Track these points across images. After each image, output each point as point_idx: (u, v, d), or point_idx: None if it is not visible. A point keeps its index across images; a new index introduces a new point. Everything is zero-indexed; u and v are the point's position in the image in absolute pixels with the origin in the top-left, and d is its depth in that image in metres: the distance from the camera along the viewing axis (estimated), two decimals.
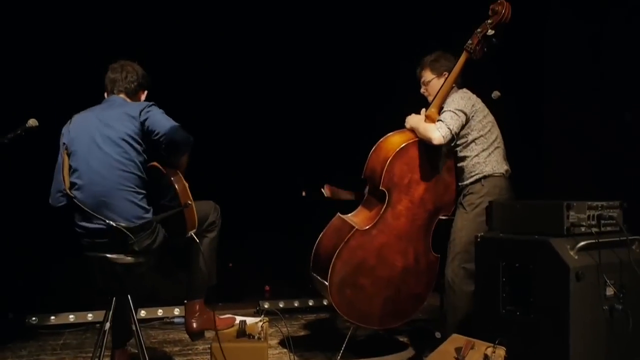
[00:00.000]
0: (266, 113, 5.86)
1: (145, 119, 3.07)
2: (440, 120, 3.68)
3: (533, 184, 3.71)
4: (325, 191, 4.23)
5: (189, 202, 3.11)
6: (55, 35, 5.04)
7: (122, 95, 3.30)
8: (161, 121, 3.06)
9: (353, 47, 5.96)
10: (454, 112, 3.68)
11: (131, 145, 3.06)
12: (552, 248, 2.91)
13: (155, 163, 3.18)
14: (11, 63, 4.90)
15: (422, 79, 4.01)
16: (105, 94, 3.35)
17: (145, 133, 3.08)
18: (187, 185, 3.15)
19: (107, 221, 2.97)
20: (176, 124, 3.08)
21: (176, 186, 3.10)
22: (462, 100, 3.74)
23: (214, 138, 5.16)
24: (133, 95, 3.33)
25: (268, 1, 5.73)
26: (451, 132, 3.64)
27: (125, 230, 2.96)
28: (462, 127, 3.72)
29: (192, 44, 5.54)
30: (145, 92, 3.42)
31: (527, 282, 3.01)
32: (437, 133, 3.63)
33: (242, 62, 5.78)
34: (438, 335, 3.94)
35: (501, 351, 2.89)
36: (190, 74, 5.51)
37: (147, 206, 3.09)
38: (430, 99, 3.94)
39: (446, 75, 3.87)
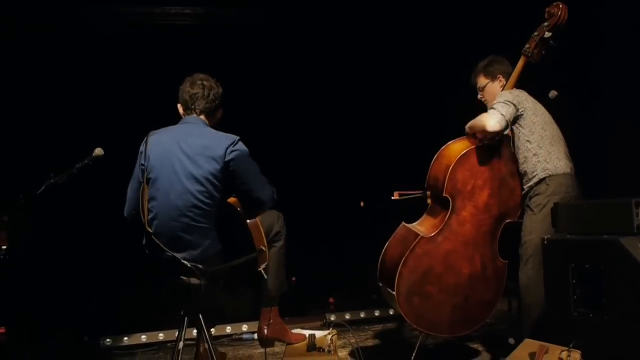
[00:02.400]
0: (326, 124, 5.90)
1: (231, 160, 3.02)
2: (493, 108, 3.67)
3: (597, 182, 3.62)
4: (395, 195, 4.19)
5: (263, 248, 3.15)
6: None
7: (202, 117, 3.21)
8: (247, 171, 3.05)
9: (413, 59, 5.98)
10: (503, 102, 3.67)
11: (213, 184, 3.02)
12: (623, 247, 2.85)
13: (234, 201, 3.18)
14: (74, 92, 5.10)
15: (478, 85, 4.01)
16: (181, 108, 3.27)
17: (229, 173, 3.04)
18: (262, 231, 3.19)
19: (181, 254, 2.97)
20: (263, 177, 3.09)
21: (252, 232, 3.14)
22: (510, 94, 3.72)
23: (275, 151, 5.24)
24: (212, 116, 3.26)
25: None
26: (504, 117, 3.61)
27: (198, 263, 2.97)
28: (515, 118, 3.69)
29: (261, 52, 5.64)
30: (221, 111, 3.33)
31: (598, 283, 2.96)
32: (491, 119, 3.61)
33: (304, 70, 5.83)
34: (511, 341, 3.88)
35: (576, 354, 2.84)
36: (255, 85, 5.59)
37: (220, 240, 3.08)
38: (488, 104, 3.91)
39: (500, 78, 3.88)
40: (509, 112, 3.64)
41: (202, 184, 3.00)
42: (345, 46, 5.88)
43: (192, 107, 3.20)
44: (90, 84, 5.21)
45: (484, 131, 3.67)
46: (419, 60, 5.98)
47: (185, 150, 3.03)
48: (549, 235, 3.28)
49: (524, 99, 3.76)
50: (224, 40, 5.63)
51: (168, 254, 2.96)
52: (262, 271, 3.22)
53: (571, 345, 2.86)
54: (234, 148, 3.04)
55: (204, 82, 3.21)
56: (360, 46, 5.91)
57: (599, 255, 2.98)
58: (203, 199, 3.00)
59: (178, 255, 2.96)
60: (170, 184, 3.02)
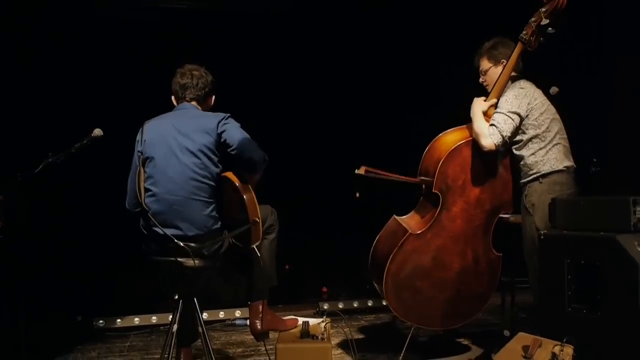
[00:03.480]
0: (321, 112, 5.88)
1: (223, 132, 3.13)
2: (494, 125, 3.59)
3: (597, 180, 3.61)
4: (360, 170, 3.86)
5: (257, 219, 3.18)
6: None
7: (193, 103, 3.35)
8: (238, 137, 3.12)
9: (409, 37, 5.96)
10: (507, 115, 3.57)
11: (208, 157, 3.13)
12: (619, 244, 2.86)
13: (229, 174, 3.24)
14: (74, 73, 5.08)
15: (480, 68, 3.89)
16: (174, 99, 3.40)
17: (222, 144, 3.15)
18: (256, 202, 3.21)
19: (179, 231, 3.06)
20: (253, 141, 3.14)
21: (247, 202, 3.17)
22: (517, 100, 3.61)
23: (269, 141, 5.21)
24: (203, 102, 3.38)
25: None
26: (504, 138, 3.56)
27: (196, 238, 3.05)
28: (517, 128, 3.62)
29: (252, 44, 5.63)
30: (214, 97, 3.48)
31: (593, 280, 2.97)
32: (489, 140, 3.56)
33: (296, 66, 5.82)
34: (507, 333, 3.91)
35: (569, 349, 2.86)
36: (249, 79, 5.58)
37: (217, 215, 3.17)
38: (489, 88, 3.82)
39: (504, 63, 3.73)
40: (510, 128, 3.57)
41: (197, 157, 3.11)
42: (334, 34, 5.86)
43: (183, 96, 3.35)
44: (92, 66, 5.17)
45: (480, 146, 3.63)
46: (417, 39, 5.97)
47: (180, 129, 3.16)
48: (545, 231, 3.29)
49: (532, 97, 3.64)
50: (218, 27, 5.60)
51: (165, 234, 3.03)
52: (255, 248, 3.26)
53: (564, 340, 2.88)
54: (226, 122, 3.17)
55: (193, 72, 3.35)
56: (350, 34, 5.89)
57: (595, 251, 2.99)
58: (199, 171, 3.11)
59: (174, 233, 3.05)
60: (166, 160, 3.12)
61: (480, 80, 3.93)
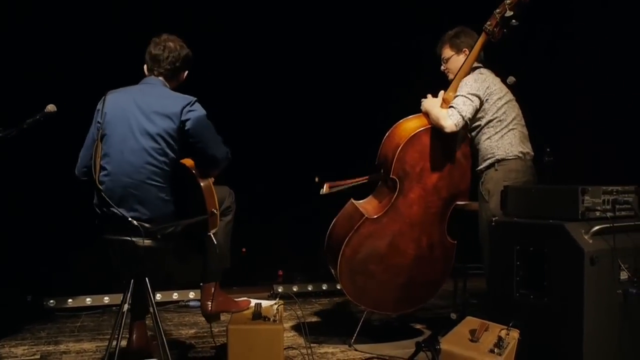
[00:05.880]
0: (280, 96, 5.84)
1: (187, 120, 3.06)
2: (452, 107, 3.64)
3: (556, 169, 3.69)
4: (324, 189, 4.11)
5: (215, 211, 3.14)
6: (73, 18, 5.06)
7: (161, 79, 3.24)
8: (203, 130, 3.07)
9: (368, 27, 5.94)
10: (466, 97, 3.64)
11: (167, 142, 3.05)
12: (567, 232, 2.92)
13: (188, 162, 3.17)
14: (28, 49, 4.93)
15: (442, 56, 3.94)
16: (145, 69, 3.28)
17: (184, 132, 3.07)
18: (215, 192, 3.16)
19: (134, 212, 3.00)
20: (219, 137, 3.10)
21: (204, 193, 3.12)
22: (476, 83, 3.68)
23: (227, 124, 5.17)
24: (172, 78, 3.28)
25: None
26: (463, 118, 3.61)
27: (149, 222, 2.99)
28: (477, 110, 3.68)
29: (214, 33, 5.54)
30: (186, 73, 3.35)
31: (541, 266, 3.03)
32: (448, 121, 3.60)
33: (254, 54, 5.76)
34: (453, 316, 3.97)
35: (515, 333, 2.91)
36: (209, 63, 5.49)
37: (172, 201, 3.11)
38: (450, 76, 3.88)
39: (466, 52, 3.80)
40: (470, 110, 3.62)
41: (156, 141, 3.03)
42: (301, 23, 5.83)
43: (152, 68, 3.24)
44: (48, 35, 5.02)
45: (440, 129, 3.66)
46: (377, 27, 5.96)
47: (142, 108, 3.06)
48: (497, 218, 3.34)
49: (491, 82, 3.72)
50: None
51: (118, 212, 2.97)
52: (212, 236, 3.22)
53: (510, 325, 2.94)
54: (191, 108, 3.07)
55: (167, 44, 3.23)
56: (314, 21, 5.86)
57: (543, 239, 3.04)
58: (157, 156, 3.03)
59: (129, 214, 2.98)
60: (124, 141, 3.04)
61: (442, 68, 3.98)
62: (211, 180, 3.19)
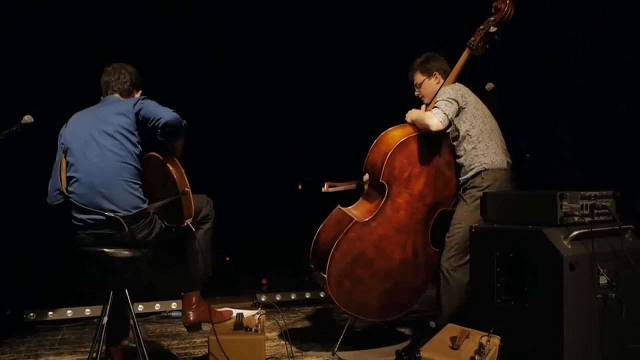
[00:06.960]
0: (263, 105, 5.85)
1: (139, 110, 3.11)
2: (436, 107, 3.71)
3: (533, 175, 3.74)
4: (325, 187, 4.26)
5: (187, 189, 3.15)
6: (54, 35, 5.03)
7: (116, 95, 3.35)
8: (154, 109, 3.11)
9: (355, 42, 5.96)
10: (446, 100, 3.72)
11: (126, 137, 3.11)
12: (546, 238, 2.93)
13: (153, 153, 3.22)
14: (9, 62, 4.89)
15: (415, 82, 4.06)
16: (102, 97, 3.39)
17: (141, 123, 3.12)
18: (184, 172, 3.18)
19: (104, 212, 3.02)
20: (169, 109, 3.12)
21: (174, 173, 3.14)
22: (453, 91, 3.78)
23: (209, 132, 5.18)
24: (127, 95, 3.38)
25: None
26: (447, 117, 3.67)
27: (122, 220, 3.01)
28: (457, 113, 3.75)
29: (192, 40, 5.53)
30: (140, 91, 3.46)
31: (521, 272, 3.04)
32: (434, 119, 3.66)
33: (240, 57, 5.77)
34: (433, 324, 3.96)
35: (496, 340, 2.92)
36: (189, 71, 5.50)
37: (143, 197, 3.14)
38: (425, 100, 4.01)
39: (437, 75, 3.96)
40: (451, 110, 3.70)
41: (115, 138, 3.11)
42: (288, 29, 5.84)
43: (108, 92, 3.37)
44: (28, 49, 5.00)
45: (426, 129, 3.72)
46: (364, 44, 5.97)
47: (99, 116, 3.19)
48: (477, 224, 3.35)
49: (466, 93, 3.83)
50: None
51: (91, 216, 3.04)
52: (190, 225, 3.22)
53: (491, 331, 2.94)
54: (142, 101, 3.17)
55: (116, 69, 3.38)
56: (302, 28, 5.88)
57: (523, 244, 3.05)
58: (119, 151, 3.10)
59: (101, 216, 3.02)
60: (86, 146, 3.12)
61: (416, 93, 4.10)
62: (177, 161, 3.21)
